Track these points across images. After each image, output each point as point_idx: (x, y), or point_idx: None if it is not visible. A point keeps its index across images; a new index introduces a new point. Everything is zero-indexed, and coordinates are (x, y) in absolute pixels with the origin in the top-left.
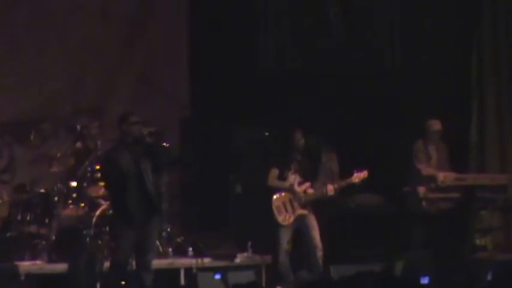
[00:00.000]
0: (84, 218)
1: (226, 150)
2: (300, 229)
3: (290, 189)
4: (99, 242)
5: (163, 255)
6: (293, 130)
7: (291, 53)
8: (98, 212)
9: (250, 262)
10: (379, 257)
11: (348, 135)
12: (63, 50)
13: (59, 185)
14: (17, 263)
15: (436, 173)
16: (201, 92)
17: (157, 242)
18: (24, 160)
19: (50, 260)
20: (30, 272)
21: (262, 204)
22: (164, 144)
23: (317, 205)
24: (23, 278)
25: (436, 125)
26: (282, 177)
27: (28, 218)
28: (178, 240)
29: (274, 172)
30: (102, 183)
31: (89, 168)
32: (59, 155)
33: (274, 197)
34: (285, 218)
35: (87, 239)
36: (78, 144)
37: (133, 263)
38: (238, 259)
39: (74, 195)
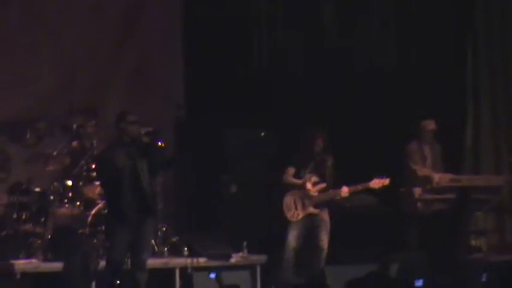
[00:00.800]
0: (80, 217)
1: (220, 150)
2: (308, 228)
3: (302, 187)
4: (95, 241)
5: (159, 254)
6: (312, 131)
7: (286, 54)
8: (93, 211)
9: (245, 262)
10: (374, 258)
11: (342, 135)
12: (57, 49)
13: (54, 184)
14: (13, 261)
15: (431, 173)
16: (196, 92)
17: (153, 242)
18: (19, 159)
19: (46, 259)
20: (26, 271)
21: (257, 204)
22: (160, 143)
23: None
24: (18, 276)
25: (430, 125)
26: (299, 176)
27: (24, 216)
28: (174, 240)
29: (291, 170)
30: (97, 182)
31: (85, 167)
32: (54, 153)
33: (286, 194)
34: (293, 215)
35: (83, 238)
36: (74, 143)
37: (129, 262)
38: (234, 259)
39: (70, 194)
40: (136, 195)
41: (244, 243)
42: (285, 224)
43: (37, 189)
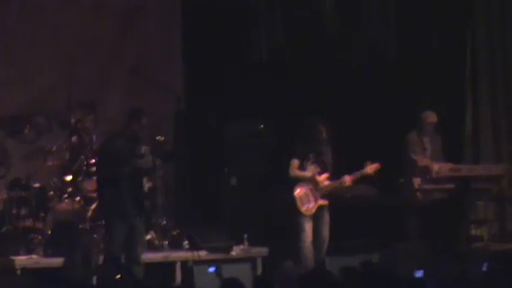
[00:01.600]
0: (80, 212)
1: (220, 142)
2: (316, 219)
3: (312, 179)
4: (95, 236)
5: (159, 248)
6: (315, 121)
7: (285, 45)
8: (93, 206)
9: (246, 255)
10: (374, 248)
11: (342, 126)
12: (56, 44)
13: (54, 179)
14: (13, 257)
15: (431, 163)
16: (195, 84)
17: (153, 235)
18: (18, 154)
19: (46, 255)
20: (26, 267)
21: (257, 196)
22: (160, 136)
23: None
24: (18, 272)
25: (431, 117)
26: (302, 167)
27: (23, 212)
28: (174, 233)
29: (296, 163)
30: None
31: (84, 162)
32: (54, 149)
33: (297, 187)
34: (308, 208)
35: (83, 233)
36: (73, 138)
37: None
38: (234, 252)
39: (69, 189)
40: (134, 190)
41: (245, 236)
42: (287, 216)
43: (36, 185)
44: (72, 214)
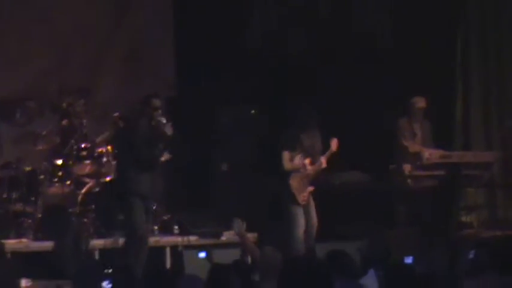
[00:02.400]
0: (70, 196)
1: (212, 129)
2: (304, 206)
3: (303, 169)
4: (85, 220)
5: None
6: (304, 109)
7: (279, 34)
8: (84, 190)
9: (236, 240)
10: (364, 234)
11: (334, 113)
12: (49, 30)
13: (44, 163)
14: (3, 241)
15: (422, 149)
16: (188, 71)
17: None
18: (9, 138)
19: (36, 238)
20: (16, 250)
21: (248, 182)
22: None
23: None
24: (8, 256)
25: (420, 102)
26: (293, 158)
27: (14, 196)
28: (164, 218)
29: (287, 155)
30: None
31: (75, 146)
32: (44, 133)
33: (292, 177)
34: (303, 198)
35: (73, 217)
36: (64, 122)
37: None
38: (225, 237)
39: (60, 173)
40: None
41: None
42: (283, 205)
43: (27, 169)
44: (62, 198)
